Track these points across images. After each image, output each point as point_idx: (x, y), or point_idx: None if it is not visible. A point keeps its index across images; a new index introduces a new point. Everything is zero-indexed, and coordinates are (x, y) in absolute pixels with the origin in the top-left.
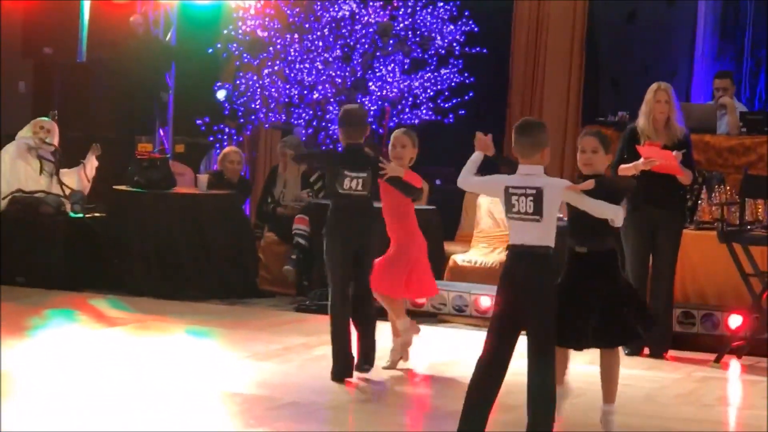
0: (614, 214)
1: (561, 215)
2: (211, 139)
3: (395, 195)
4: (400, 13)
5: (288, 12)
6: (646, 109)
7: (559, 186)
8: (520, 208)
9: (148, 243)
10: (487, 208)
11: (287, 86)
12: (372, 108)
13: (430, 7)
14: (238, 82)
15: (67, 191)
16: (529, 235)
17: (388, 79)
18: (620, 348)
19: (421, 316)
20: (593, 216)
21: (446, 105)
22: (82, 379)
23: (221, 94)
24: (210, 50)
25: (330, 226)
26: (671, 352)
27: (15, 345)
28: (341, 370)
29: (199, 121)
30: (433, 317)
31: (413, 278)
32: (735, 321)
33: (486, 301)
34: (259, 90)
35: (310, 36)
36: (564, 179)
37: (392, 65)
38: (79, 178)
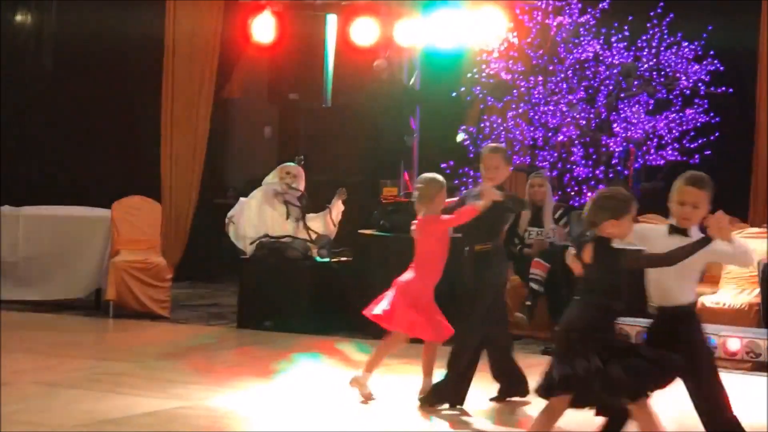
0: None
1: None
2: (456, 182)
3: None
4: (644, 53)
5: (532, 54)
6: None
7: None
8: None
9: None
10: None
11: (531, 129)
12: (617, 150)
13: (675, 47)
14: (482, 125)
15: (314, 236)
16: None
17: (633, 120)
18: None
19: None
20: None
21: (692, 145)
22: (330, 422)
23: (459, 137)
24: (454, 93)
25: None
26: None
27: (262, 389)
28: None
29: (443, 165)
30: None
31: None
32: None
33: (734, 344)
34: (503, 132)
35: (554, 78)
36: None
37: (636, 106)
38: (325, 222)
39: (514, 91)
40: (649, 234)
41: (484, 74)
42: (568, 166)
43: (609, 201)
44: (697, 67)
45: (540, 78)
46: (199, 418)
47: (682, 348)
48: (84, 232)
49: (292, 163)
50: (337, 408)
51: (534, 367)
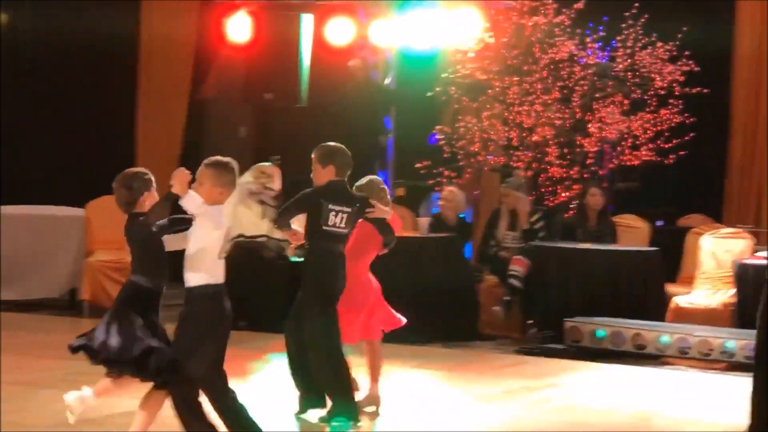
0: None
1: None
2: (431, 182)
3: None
4: (619, 54)
5: (507, 54)
6: None
7: None
8: None
9: None
10: (710, 249)
11: (506, 129)
12: (592, 150)
13: (650, 47)
14: (457, 125)
15: None
16: None
17: (608, 121)
18: None
19: (644, 358)
20: None
21: (666, 146)
22: (301, 421)
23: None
24: (429, 93)
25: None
26: None
27: (236, 388)
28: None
29: (418, 165)
30: (656, 359)
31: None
32: None
33: (709, 344)
34: (478, 132)
35: (529, 78)
36: None
37: (611, 106)
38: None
39: (489, 91)
40: None
41: (459, 74)
42: (543, 166)
43: None
44: (672, 67)
45: (515, 78)
46: (175, 418)
47: None
48: (59, 232)
49: (267, 163)
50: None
51: (508, 368)
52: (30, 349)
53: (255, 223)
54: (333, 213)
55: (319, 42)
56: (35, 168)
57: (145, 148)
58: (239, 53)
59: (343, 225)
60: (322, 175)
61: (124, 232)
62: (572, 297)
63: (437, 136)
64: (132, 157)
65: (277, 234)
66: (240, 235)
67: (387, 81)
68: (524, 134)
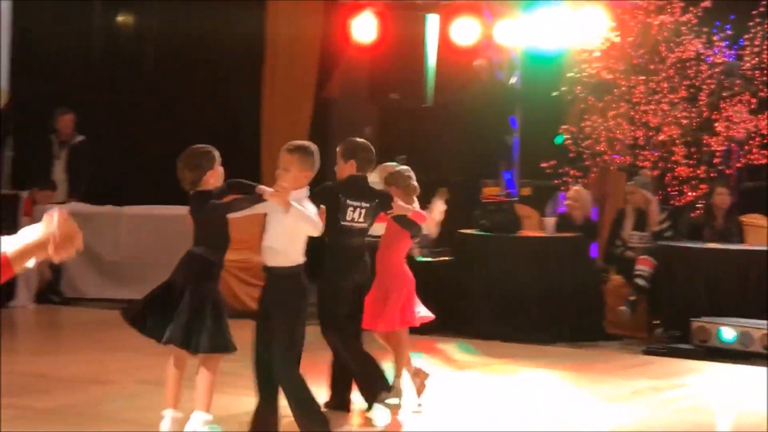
0: None
1: None
2: (557, 181)
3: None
4: (746, 52)
5: (633, 53)
6: None
7: None
8: None
9: (494, 286)
10: None
11: (632, 128)
12: (719, 149)
13: None
14: (583, 125)
15: None
16: None
17: (735, 119)
18: None
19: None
20: None
21: None
22: (430, 420)
23: (558, 140)
24: (555, 93)
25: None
26: None
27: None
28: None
29: (544, 164)
30: None
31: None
32: None
33: None
34: (603, 132)
35: (655, 77)
36: None
37: (739, 105)
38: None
39: (615, 90)
40: None
41: (585, 73)
42: (670, 165)
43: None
44: None
45: (641, 77)
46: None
47: None
48: (184, 232)
49: (393, 163)
50: (444, 409)
51: (634, 368)
52: (155, 349)
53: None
54: (351, 209)
55: (444, 42)
56: (161, 167)
57: (270, 147)
58: (364, 53)
59: (362, 219)
60: (344, 169)
61: (189, 210)
62: (699, 297)
63: (564, 136)
64: (257, 156)
65: None
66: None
67: (512, 81)
68: (650, 133)
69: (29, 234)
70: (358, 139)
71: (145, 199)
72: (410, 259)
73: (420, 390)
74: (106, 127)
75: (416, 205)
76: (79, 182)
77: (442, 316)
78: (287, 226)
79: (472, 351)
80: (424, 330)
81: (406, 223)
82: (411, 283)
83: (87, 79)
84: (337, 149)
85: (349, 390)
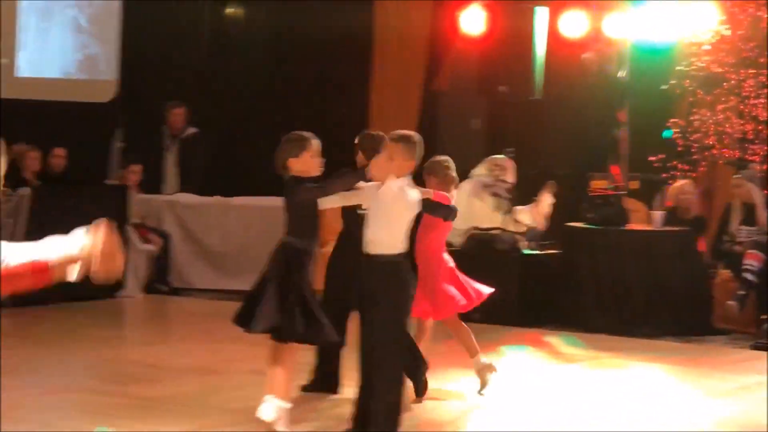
0: None
1: None
2: (665, 175)
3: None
4: None
5: (743, 47)
6: None
7: None
8: None
9: (601, 279)
10: None
11: (741, 122)
12: None
13: None
14: (692, 118)
15: (522, 228)
16: None
17: None
18: None
19: None
20: None
21: None
22: (538, 414)
23: (666, 134)
24: (663, 87)
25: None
26: None
27: (473, 380)
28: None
29: (652, 158)
30: None
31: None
32: None
33: None
34: (712, 126)
35: (765, 71)
36: None
37: None
38: (533, 215)
39: (725, 84)
40: None
41: (694, 67)
42: None
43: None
44: None
45: (751, 71)
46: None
47: None
48: None
49: (501, 156)
50: (551, 402)
51: (742, 363)
52: (263, 339)
53: (488, 215)
54: None
55: (553, 35)
56: (269, 159)
57: None
58: (473, 46)
59: None
60: (363, 160)
61: (284, 194)
62: None
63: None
64: None
65: (511, 226)
66: (474, 227)
67: (621, 74)
68: (760, 127)
69: (72, 243)
70: (377, 132)
71: (253, 190)
72: (517, 252)
73: (483, 384)
74: (215, 119)
75: (454, 194)
76: (191, 175)
77: (549, 308)
78: (389, 213)
79: (579, 344)
80: (529, 322)
81: (433, 208)
82: (448, 271)
83: (196, 72)
84: (356, 140)
85: (336, 372)
